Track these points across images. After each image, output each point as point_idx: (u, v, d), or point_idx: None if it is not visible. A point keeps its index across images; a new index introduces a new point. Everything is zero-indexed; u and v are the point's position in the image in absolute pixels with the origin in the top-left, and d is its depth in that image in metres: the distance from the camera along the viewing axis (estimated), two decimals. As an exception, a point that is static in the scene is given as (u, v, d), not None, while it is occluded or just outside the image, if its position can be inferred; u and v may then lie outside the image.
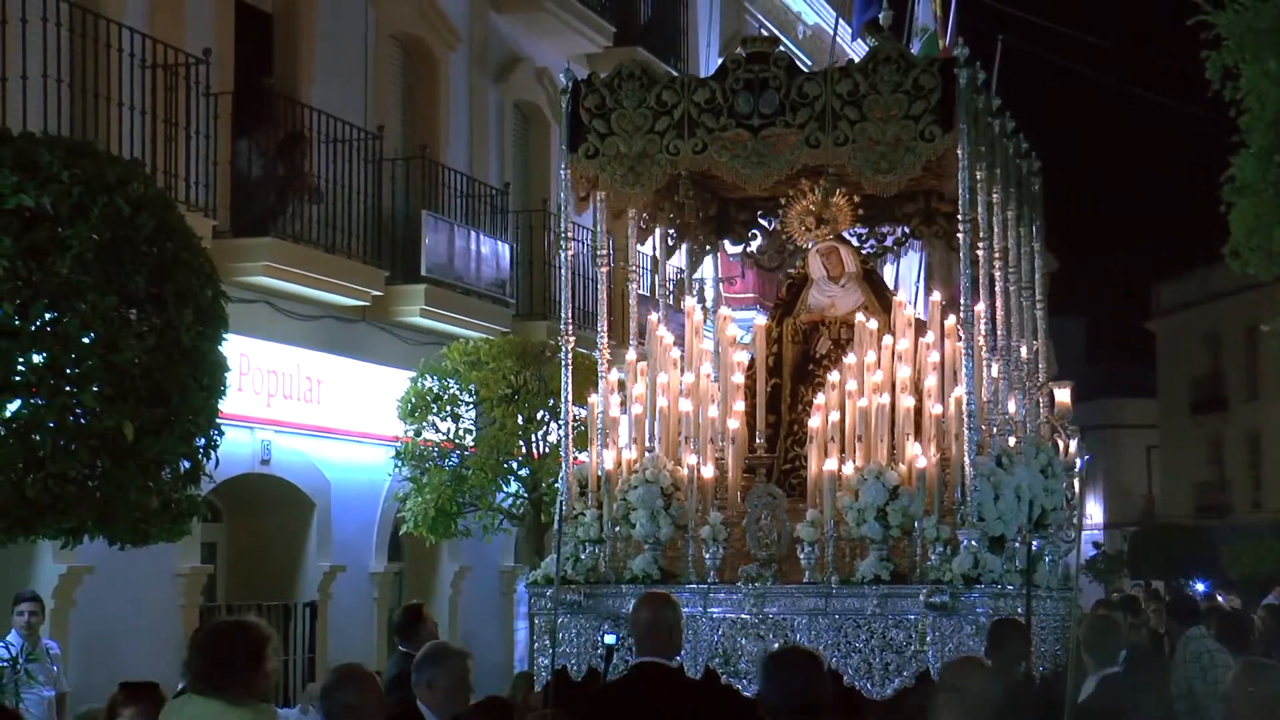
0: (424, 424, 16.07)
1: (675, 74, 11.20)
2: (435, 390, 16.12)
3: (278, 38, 17.73)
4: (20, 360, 9.29)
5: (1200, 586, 35.33)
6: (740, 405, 11.37)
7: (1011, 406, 11.38)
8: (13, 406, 9.28)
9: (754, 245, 12.99)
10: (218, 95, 15.73)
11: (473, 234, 18.98)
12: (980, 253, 10.68)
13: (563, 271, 11.40)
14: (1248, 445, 52.36)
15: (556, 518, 10.71)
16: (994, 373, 11.03)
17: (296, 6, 17.80)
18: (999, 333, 11.17)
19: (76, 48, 14.14)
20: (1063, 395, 12.27)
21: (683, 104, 10.62)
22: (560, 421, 11.76)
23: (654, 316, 11.79)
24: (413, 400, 16.11)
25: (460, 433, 16.15)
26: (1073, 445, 12.14)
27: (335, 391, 17.40)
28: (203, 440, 10.31)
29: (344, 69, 18.12)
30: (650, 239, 12.38)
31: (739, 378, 11.65)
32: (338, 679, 7.20)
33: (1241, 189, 19.09)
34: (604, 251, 11.43)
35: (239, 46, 16.75)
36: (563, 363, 11.24)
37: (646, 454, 10.99)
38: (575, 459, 11.31)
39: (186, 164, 15.16)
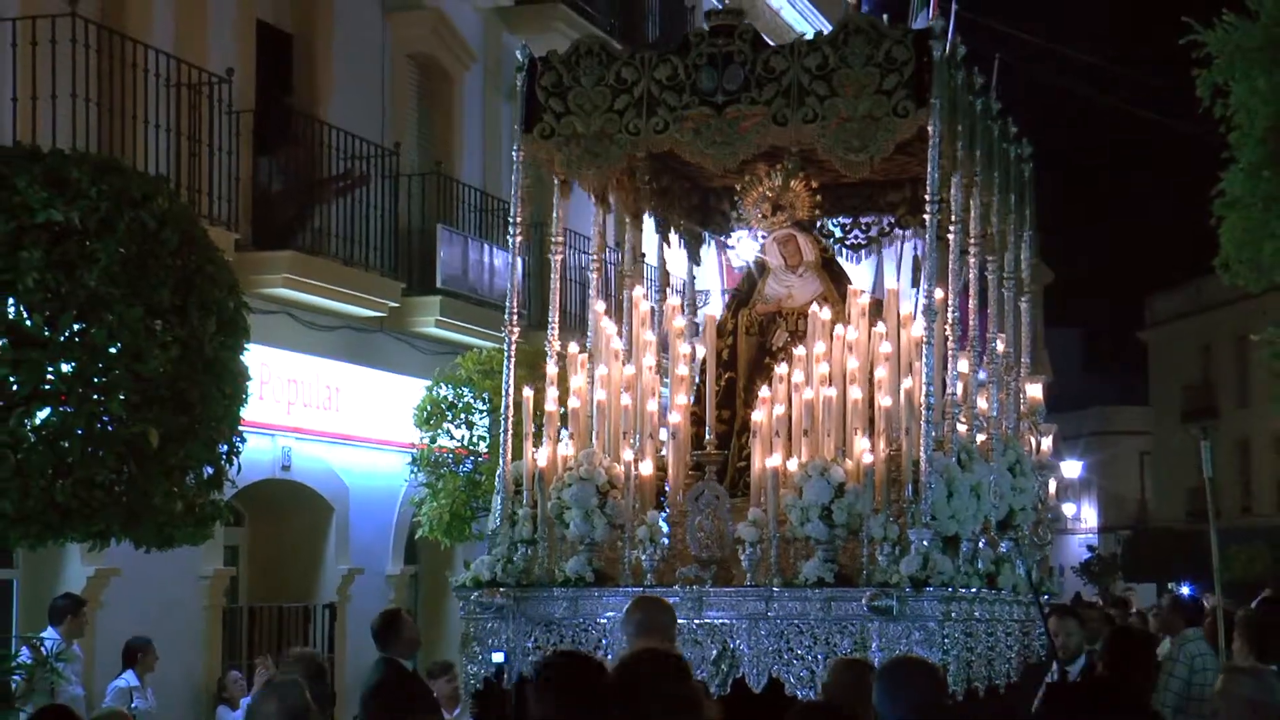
0: (439, 431, 16.06)
1: (635, 50, 10.29)
2: (450, 398, 16.12)
3: (297, 57, 17.76)
4: (50, 369, 9.32)
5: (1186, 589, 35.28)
6: (683, 399, 10.35)
7: (983, 402, 10.42)
8: (42, 414, 9.31)
9: (734, 235, 11.90)
10: (239, 113, 15.76)
11: (486, 247, 19.00)
12: (951, 236, 9.74)
13: (514, 259, 10.40)
14: (1238, 452, 52.29)
15: (492, 518, 10.06)
16: (962, 366, 10.10)
17: (316, 27, 17.84)
18: (971, 323, 10.22)
19: (104, 68, 14.17)
20: (1034, 390, 11.47)
21: (643, 81, 9.71)
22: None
23: (599, 306, 10.77)
24: (428, 408, 16.12)
25: (474, 439, 16.14)
26: (1045, 443, 11.40)
27: (353, 399, 17.41)
28: (225, 447, 10.34)
29: (361, 87, 18.15)
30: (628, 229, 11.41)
31: (684, 369, 10.57)
32: (265, 691, 6.44)
33: (1231, 203, 19.11)
34: (559, 239, 10.54)
35: (260, 66, 16.78)
36: (506, 354, 10.21)
37: (582, 450, 10.00)
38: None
39: (209, 179, 15.19)
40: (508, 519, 9.92)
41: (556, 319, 10.51)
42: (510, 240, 10.38)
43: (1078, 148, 74.03)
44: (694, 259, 12.05)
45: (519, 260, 10.41)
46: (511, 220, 10.31)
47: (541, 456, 9.97)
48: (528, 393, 10.08)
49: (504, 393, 10.17)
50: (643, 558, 9.52)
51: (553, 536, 9.86)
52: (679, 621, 8.93)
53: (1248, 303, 37.27)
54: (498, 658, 9.45)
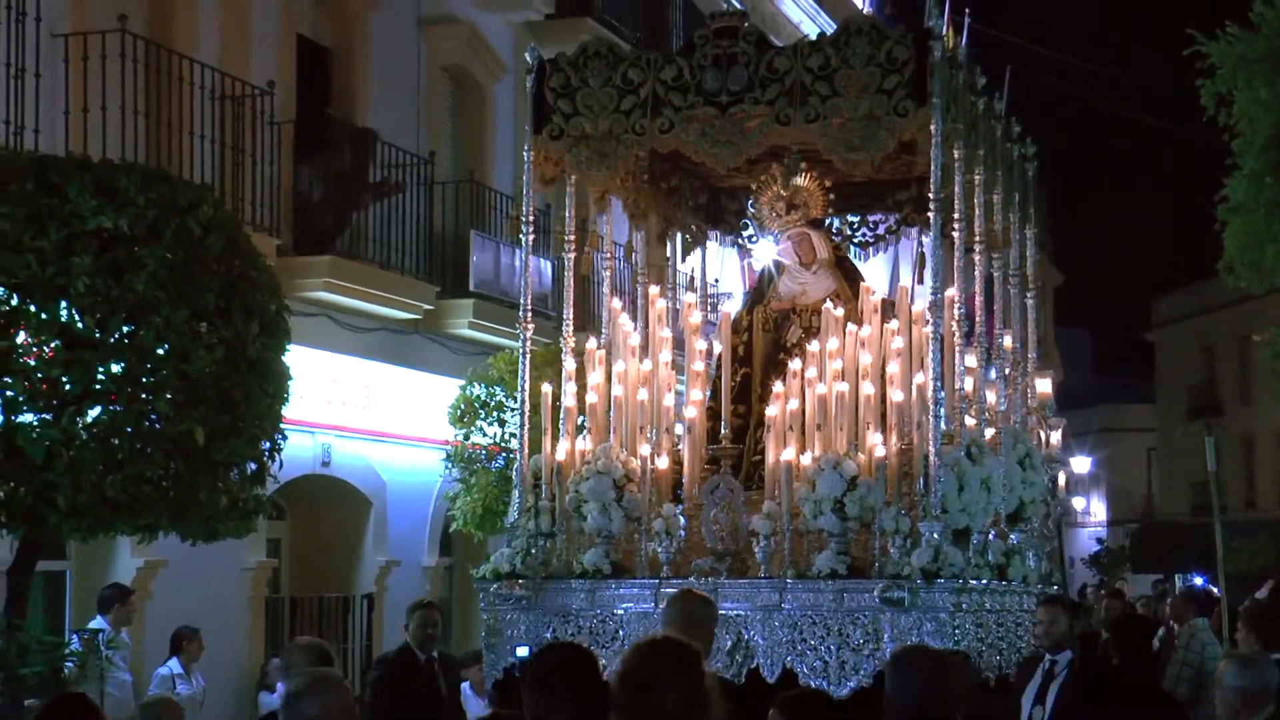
0: (472, 428, 16.06)
1: (641, 51, 10.04)
2: (482, 397, 16.12)
3: (336, 70, 17.80)
4: (100, 370, 9.37)
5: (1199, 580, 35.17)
6: (698, 394, 10.20)
7: (991, 397, 10.22)
8: (94, 413, 9.35)
9: (744, 235, 11.82)
10: (281, 124, 15.80)
11: (517, 251, 18.98)
12: (956, 234, 9.48)
13: (526, 257, 10.25)
14: (1241, 448, 52.11)
15: (511, 511, 9.89)
16: (970, 361, 9.87)
17: (354, 41, 17.87)
18: (978, 319, 9.97)
19: (151, 81, 14.22)
20: (1044, 385, 11.32)
21: (649, 82, 9.47)
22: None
23: (617, 303, 10.62)
24: (462, 406, 16.12)
25: (506, 436, 16.14)
26: (1055, 437, 11.17)
27: (390, 398, 17.43)
28: (268, 444, 10.37)
29: (398, 99, 18.18)
30: (642, 228, 11.28)
31: (700, 365, 10.42)
32: (307, 685, 5.79)
33: (1235, 208, 19.06)
34: (570, 237, 10.34)
35: (300, 79, 16.82)
36: (521, 351, 10.05)
37: (599, 445, 9.84)
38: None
39: (252, 187, 15.23)
40: (526, 512, 9.75)
41: (570, 315, 10.36)
42: (523, 239, 10.26)
43: (1084, 150, 73.87)
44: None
45: (546, 262, 10.36)
46: (524, 219, 10.20)
47: (560, 451, 9.84)
48: (546, 388, 9.95)
49: (520, 388, 10.02)
50: (659, 550, 9.37)
51: (571, 529, 9.71)
52: None
53: (1250, 304, 37.17)
54: (522, 652, 9.30)
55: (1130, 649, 10.40)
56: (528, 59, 9.93)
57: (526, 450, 9.94)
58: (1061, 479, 11.38)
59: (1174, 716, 8.82)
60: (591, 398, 10.12)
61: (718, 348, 10.67)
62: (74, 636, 12.17)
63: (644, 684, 4.94)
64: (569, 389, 10.08)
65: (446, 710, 11.04)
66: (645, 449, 9.63)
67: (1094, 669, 10.06)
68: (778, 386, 9.76)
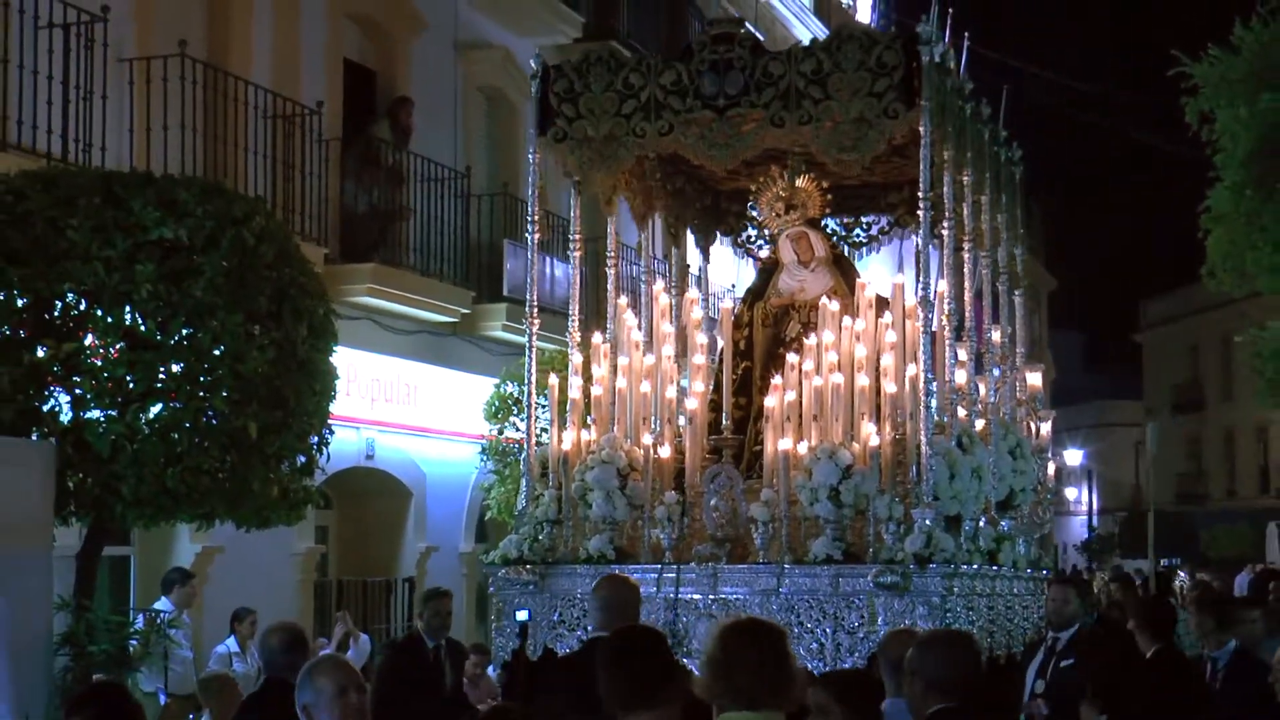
0: (506, 424, 16.08)
1: (641, 56, 9.84)
2: (515, 394, 16.14)
3: (380, 91, 17.84)
4: (161, 370, 9.41)
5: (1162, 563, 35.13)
6: (700, 386, 9.94)
7: (982, 389, 9.97)
8: (155, 409, 9.39)
9: (744, 236, 11.51)
10: (329, 141, 15.84)
11: (547, 259, 19.02)
12: (945, 233, 9.27)
13: (533, 256, 10.08)
14: (1223, 441, 52.01)
15: (521, 499, 9.73)
16: (962, 355, 9.65)
17: (396, 64, 17.91)
18: (967, 314, 9.70)
19: (209, 102, 14.27)
20: (1034, 378, 11.03)
21: (649, 87, 9.24)
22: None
23: (622, 299, 10.43)
24: (496, 404, 16.13)
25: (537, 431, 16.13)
26: (1044, 428, 10.92)
27: (430, 396, 17.47)
28: (316, 438, 10.40)
29: (437, 117, 18.21)
30: (648, 227, 11.13)
31: (700, 359, 10.14)
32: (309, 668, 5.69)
33: (1217, 218, 19.06)
34: (578, 237, 10.13)
35: (347, 99, 16.87)
36: (527, 346, 9.89)
37: (604, 435, 9.60)
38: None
39: (302, 200, 15.28)
40: (534, 500, 9.59)
41: (577, 311, 10.16)
42: (529, 238, 10.11)
43: (1080, 161, 73.68)
44: (705, 255, 11.60)
45: (557, 262, 10.22)
46: (530, 219, 10.07)
47: (566, 441, 9.67)
48: (553, 381, 9.76)
49: (527, 382, 9.87)
50: (661, 536, 9.19)
51: (576, 516, 9.52)
52: (695, 597, 8.78)
53: (1232, 307, 37.06)
54: (522, 615, 9.02)
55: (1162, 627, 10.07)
56: (532, 64, 9.68)
57: (534, 441, 9.80)
58: (1051, 469, 11.16)
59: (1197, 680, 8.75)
60: (596, 390, 9.95)
61: (720, 342, 10.50)
62: (138, 617, 12.23)
63: (724, 664, 4.75)
64: (575, 382, 9.90)
65: (450, 696, 10.89)
66: (648, 439, 9.47)
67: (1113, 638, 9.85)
68: (777, 379, 9.56)
